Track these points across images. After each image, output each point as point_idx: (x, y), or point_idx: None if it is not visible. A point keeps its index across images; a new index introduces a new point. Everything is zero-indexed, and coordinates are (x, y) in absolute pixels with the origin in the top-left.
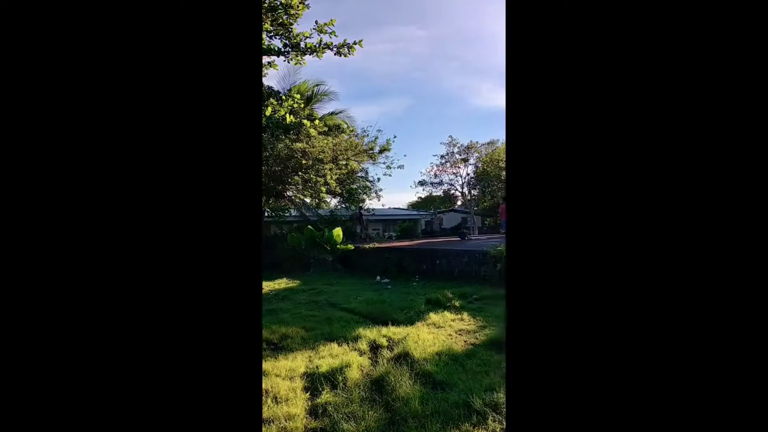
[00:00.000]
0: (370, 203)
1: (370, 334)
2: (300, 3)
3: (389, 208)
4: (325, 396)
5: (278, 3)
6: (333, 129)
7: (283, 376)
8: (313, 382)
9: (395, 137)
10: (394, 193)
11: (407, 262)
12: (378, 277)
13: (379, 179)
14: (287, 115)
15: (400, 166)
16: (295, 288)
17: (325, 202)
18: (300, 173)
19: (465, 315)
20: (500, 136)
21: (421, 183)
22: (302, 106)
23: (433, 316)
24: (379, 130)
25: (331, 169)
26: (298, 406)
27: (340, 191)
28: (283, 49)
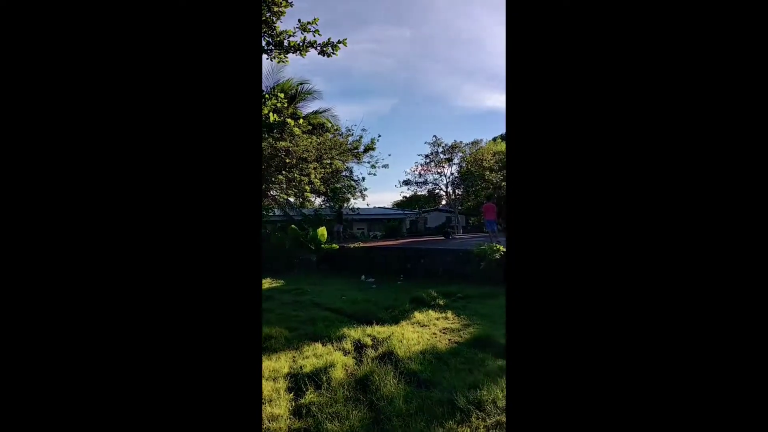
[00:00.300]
0: (355, 202)
1: (354, 333)
2: (283, 0)
3: (374, 208)
4: (309, 396)
5: None
6: (317, 128)
7: (267, 377)
8: (297, 382)
9: (380, 136)
10: (379, 192)
11: (392, 261)
12: (363, 277)
13: (364, 178)
14: (271, 114)
15: (385, 166)
16: (279, 288)
17: (309, 201)
18: (284, 172)
19: (449, 313)
20: (484, 136)
21: (406, 182)
22: (286, 104)
23: (418, 315)
24: (363, 129)
25: (315, 168)
26: (282, 406)
27: (324, 190)
28: (266, 47)
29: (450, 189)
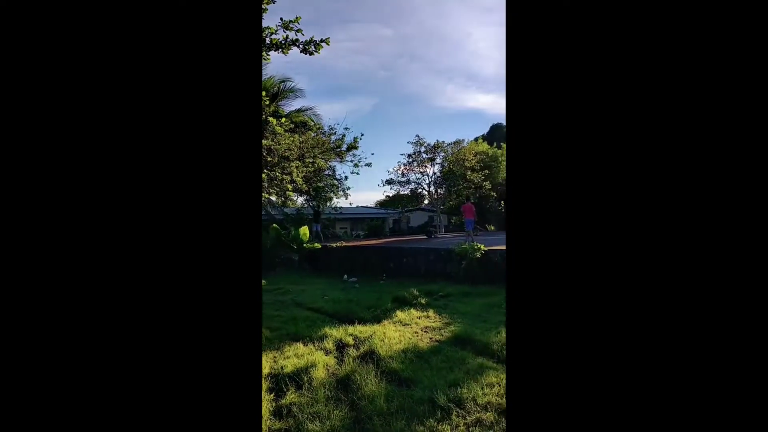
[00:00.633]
0: (338, 202)
1: (336, 333)
2: None
3: (357, 207)
4: (290, 396)
5: None
6: (299, 126)
7: None
8: (278, 382)
9: (362, 135)
10: (362, 191)
11: (375, 260)
12: (345, 276)
13: (346, 177)
14: None
15: (368, 164)
16: None
17: (291, 200)
18: (266, 171)
19: (431, 312)
20: (465, 136)
21: (389, 182)
22: (268, 102)
23: (400, 314)
24: (346, 128)
25: (297, 167)
26: (262, 407)
27: (307, 189)
28: None
29: (432, 188)
